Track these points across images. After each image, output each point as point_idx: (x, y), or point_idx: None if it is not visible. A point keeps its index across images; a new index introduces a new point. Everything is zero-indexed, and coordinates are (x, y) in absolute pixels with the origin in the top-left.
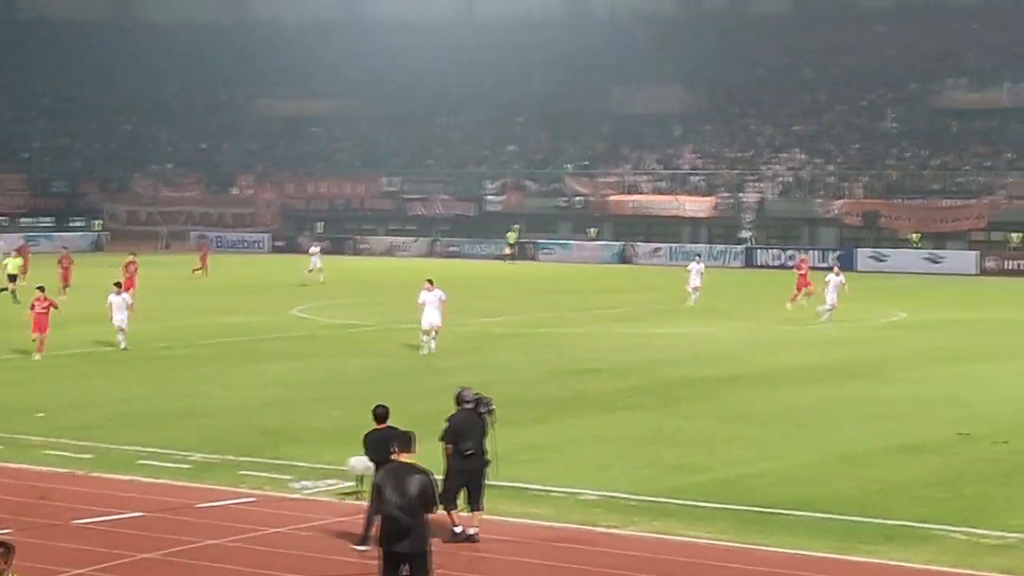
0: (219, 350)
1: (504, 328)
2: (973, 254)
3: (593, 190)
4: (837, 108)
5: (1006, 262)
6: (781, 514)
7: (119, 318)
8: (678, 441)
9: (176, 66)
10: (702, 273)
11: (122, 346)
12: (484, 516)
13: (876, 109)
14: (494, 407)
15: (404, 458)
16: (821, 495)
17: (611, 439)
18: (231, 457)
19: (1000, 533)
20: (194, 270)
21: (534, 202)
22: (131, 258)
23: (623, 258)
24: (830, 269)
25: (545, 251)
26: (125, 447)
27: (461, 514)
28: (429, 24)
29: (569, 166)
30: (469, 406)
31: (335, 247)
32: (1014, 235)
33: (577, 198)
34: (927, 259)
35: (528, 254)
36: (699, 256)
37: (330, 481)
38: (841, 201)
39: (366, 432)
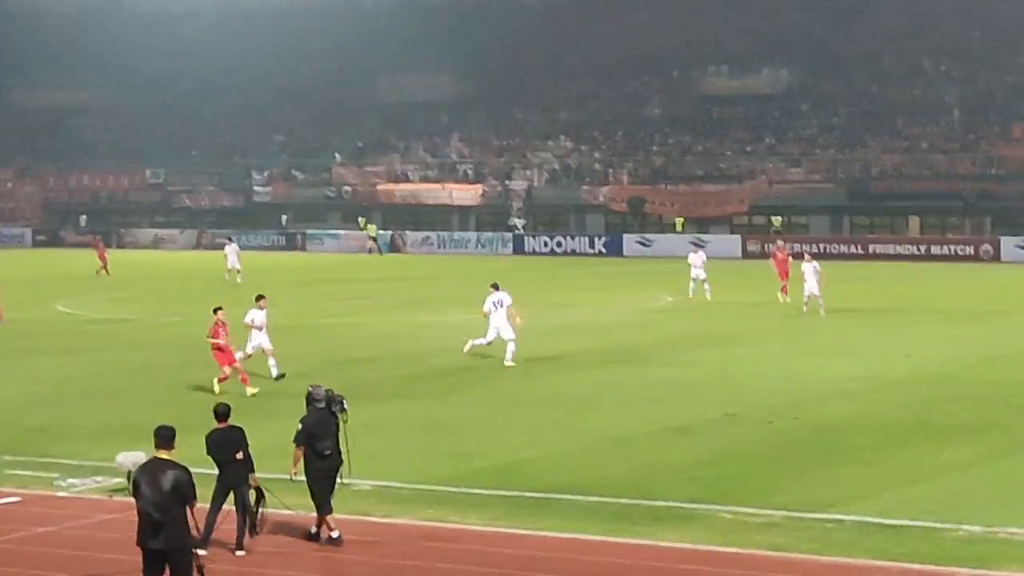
0: None
1: (275, 320)
2: (736, 238)
3: (362, 180)
4: (602, 95)
5: (768, 245)
6: (554, 499)
7: None
8: (451, 429)
9: None
10: (705, 262)
11: None
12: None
13: (640, 96)
14: (347, 405)
15: (162, 454)
16: (593, 479)
17: (384, 428)
18: None
19: (766, 511)
20: None
21: (303, 192)
22: None
23: (393, 247)
24: (800, 257)
25: (314, 241)
26: None
27: (335, 516)
28: (193, 12)
29: (337, 156)
30: (321, 405)
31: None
32: (775, 219)
33: (346, 188)
34: (693, 243)
35: (297, 244)
36: (697, 244)
37: (98, 478)
38: (607, 188)
39: (207, 432)
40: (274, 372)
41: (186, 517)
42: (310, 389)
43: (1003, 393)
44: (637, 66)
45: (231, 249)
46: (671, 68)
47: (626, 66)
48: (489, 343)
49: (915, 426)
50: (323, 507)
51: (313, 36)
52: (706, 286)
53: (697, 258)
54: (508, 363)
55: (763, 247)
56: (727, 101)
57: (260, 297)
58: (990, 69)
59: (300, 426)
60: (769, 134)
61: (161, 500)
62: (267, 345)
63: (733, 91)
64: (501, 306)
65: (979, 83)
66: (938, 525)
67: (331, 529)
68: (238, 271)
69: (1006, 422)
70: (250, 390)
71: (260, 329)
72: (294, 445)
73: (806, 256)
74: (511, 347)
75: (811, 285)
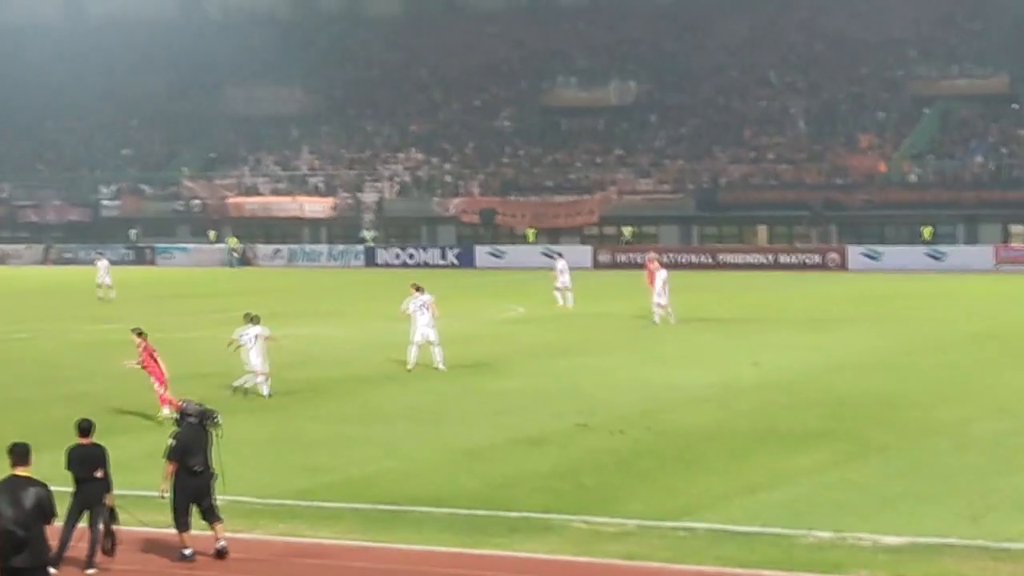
0: None
1: (122, 335)
2: (587, 248)
3: (211, 193)
4: (452, 107)
5: (618, 255)
6: (408, 511)
7: None
8: (302, 443)
9: None
10: (566, 271)
11: None
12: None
13: (490, 108)
14: (220, 419)
15: (20, 471)
16: (446, 490)
17: (233, 443)
18: None
19: (619, 520)
20: None
21: (151, 206)
22: None
23: (244, 260)
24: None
25: (164, 255)
26: None
27: (192, 534)
28: (37, 26)
29: (186, 169)
30: (194, 420)
31: None
32: (625, 229)
33: (195, 201)
34: (544, 254)
35: (146, 259)
36: (560, 254)
37: None
38: (458, 199)
39: (69, 447)
40: (265, 391)
41: (45, 534)
42: (182, 404)
43: (851, 400)
44: (486, 78)
45: (102, 264)
46: (519, 80)
47: (475, 78)
48: (415, 344)
49: (764, 433)
50: (182, 525)
51: (159, 48)
52: (569, 295)
53: (562, 267)
54: (440, 367)
55: (613, 257)
56: (576, 113)
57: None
58: (834, 80)
59: (173, 441)
60: (618, 145)
61: (24, 517)
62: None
63: (582, 103)
64: (427, 309)
65: (824, 94)
66: (788, 532)
67: (218, 538)
68: (110, 286)
69: (854, 428)
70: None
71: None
72: (165, 460)
73: (654, 263)
74: (437, 351)
75: (659, 294)
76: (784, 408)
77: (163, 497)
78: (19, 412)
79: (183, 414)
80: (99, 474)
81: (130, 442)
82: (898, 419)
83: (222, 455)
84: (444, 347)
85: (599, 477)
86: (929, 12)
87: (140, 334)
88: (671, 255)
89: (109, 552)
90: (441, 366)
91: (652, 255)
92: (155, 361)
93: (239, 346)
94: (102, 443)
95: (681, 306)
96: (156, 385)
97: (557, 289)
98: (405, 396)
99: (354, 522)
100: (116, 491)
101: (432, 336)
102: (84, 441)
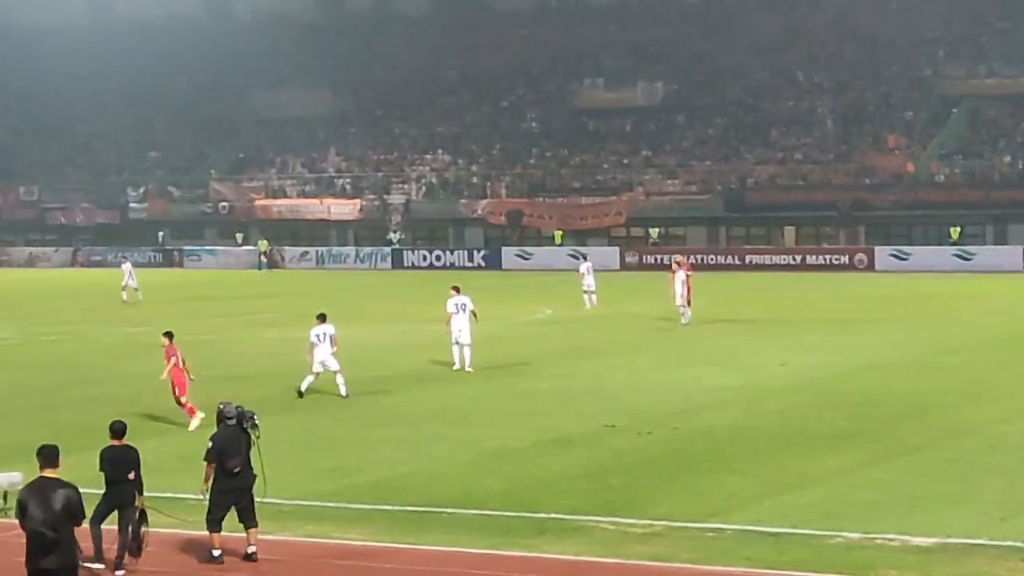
0: None
1: (150, 337)
2: (614, 250)
3: (238, 195)
4: (479, 109)
5: (645, 256)
6: (436, 512)
7: None
8: (330, 444)
9: None
10: (590, 272)
11: None
12: (260, 534)
13: (517, 109)
14: (258, 421)
15: (48, 473)
16: (474, 492)
17: (264, 444)
18: None
19: (647, 521)
20: None
21: (179, 208)
22: None
23: (271, 263)
24: (668, 267)
25: (192, 257)
26: None
27: (223, 535)
28: (65, 29)
29: (213, 171)
30: (232, 422)
31: None
32: (652, 230)
33: (222, 203)
34: (571, 255)
35: (174, 261)
36: (584, 256)
37: None
38: (485, 201)
39: (102, 448)
40: (342, 391)
41: (74, 536)
42: (220, 406)
43: (878, 401)
44: (513, 80)
45: (127, 267)
46: (547, 81)
47: (502, 80)
48: (456, 343)
49: (792, 434)
50: (214, 525)
51: (187, 50)
52: (594, 297)
53: (586, 269)
54: (468, 369)
55: (641, 259)
56: (603, 114)
57: (322, 315)
58: (862, 80)
59: (210, 443)
60: (645, 146)
61: (53, 519)
62: (333, 364)
63: (609, 104)
64: (464, 309)
65: (852, 94)
66: (817, 532)
67: (249, 543)
68: (136, 288)
69: (882, 429)
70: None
71: (321, 346)
72: (205, 462)
73: (677, 265)
74: (467, 352)
75: (680, 294)
76: (812, 409)
77: (203, 496)
78: (48, 414)
79: (221, 416)
80: (131, 476)
81: (159, 445)
82: (927, 420)
83: (262, 457)
84: (474, 348)
85: (627, 478)
86: (958, 12)
87: (170, 336)
88: (698, 256)
89: (135, 553)
90: (469, 368)
91: (678, 257)
92: (179, 368)
93: (311, 344)
94: (135, 445)
95: (708, 307)
96: (176, 392)
97: (584, 292)
98: (432, 398)
99: (382, 523)
100: (146, 493)
101: (464, 338)
102: (117, 443)
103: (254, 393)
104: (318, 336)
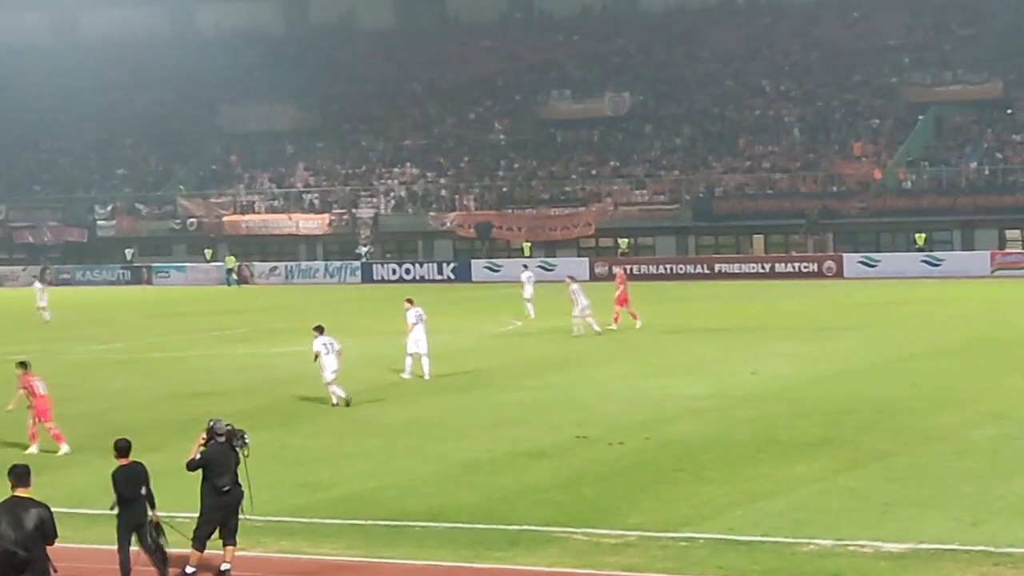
0: None
1: (119, 355)
2: (584, 260)
3: (207, 211)
4: (447, 121)
5: (614, 267)
6: (408, 526)
7: None
8: (301, 459)
9: None
10: (533, 282)
11: None
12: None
13: (484, 121)
14: (248, 439)
15: (20, 492)
16: (447, 505)
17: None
18: None
19: (620, 532)
20: None
21: (147, 225)
22: None
23: (241, 278)
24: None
25: (160, 274)
26: None
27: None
28: (29, 46)
29: (181, 187)
30: (222, 439)
31: None
32: (621, 240)
33: (191, 220)
34: (540, 267)
35: (143, 278)
36: (526, 266)
37: None
38: (454, 214)
39: (113, 470)
40: (341, 395)
41: (47, 554)
42: (211, 423)
43: (849, 408)
44: (479, 92)
45: (38, 286)
46: (513, 93)
47: (468, 92)
48: (410, 355)
49: (763, 442)
50: (200, 543)
51: (152, 67)
52: (530, 307)
53: (527, 278)
54: (426, 376)
55: (610, 269)
56: (571, 125)
57: (319, 327)
58: (828, 88)
59: (198, 457)
60: (613, 157)
61: (25, 538)
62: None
63: (576, 115)
64: (421, 320)
65: (818, 102)
66: (789, 540)
67: (225, 560)
68: (43, 308)
69: (853, 436)
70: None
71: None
72: (189, 470)
73: (568, 279)
74: (426, 362)
75: (580, 306)
76: (783, 417)
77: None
78: (17, 434)
79: (211, 433)
80: (143, 491)
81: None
82: (897, 426)
83: (249, 475)
84: (441, 360)
85: (599, 489)
86: (922, 19)
87: (25, 366)
88: (668, 266)
89: (164, 569)
90: (427, 376)
91: (620, 271)
92: (36, 394)
93: (316, 355)
94: (141, 461)
95: (678, 316)
96: (33, 421)
97: (525, 300)
98: (403, 411)
99: (355, 538)
100: (113, 512)
101: (422, 348)
102: (124, 461)
103: (224, 409)
104: (325, 346)
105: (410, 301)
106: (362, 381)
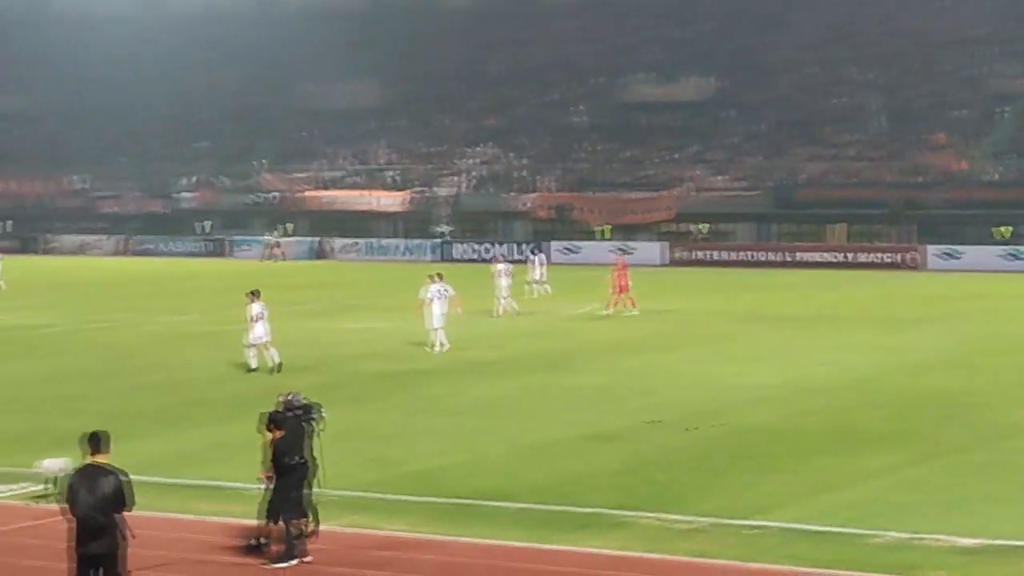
0: None
1: (196, 326)
2: (662, 245)
3: (287, 186)
4: (527, 102)
5: (694, 252)
6: (477, 505)
7: None
8: (372, 435)
9: None
10: (544, 266)
11: None
12: (256, 523)
13: (564, 103)
14: (324, 413)
15: (98, 459)
16: (516, 485)
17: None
18: None
19: (690, 518)
20: None
21: (228, 198)
22: None
23: (319, 254)
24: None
25: (241, 248)
26: None
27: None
28: (117, 18)
29: (264, 162)
30: (299, 413)
31: (24, 246)
32: (701, 226)
33: (271, 194)
34: (620, 250)
35: (224, 251)
36: (537, 248)
37: (21, 484)
38: (533, 195)
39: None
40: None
41: (120, 522)
42: (289, 396)
43: (923, 401)
44: (561, 73)
45: None
46: (594, 75)
47: (550, 73)
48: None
49: (835, 433)
50: (272, 515)
51: (237, 42)
52: (547, 287)
53: (540, 261)
54: (445, 348)
55: (691, 254)
56: (652, 108)
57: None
58: (913, 76)
59: (274, 450)
60: (694, 141)
61: (102, 504)
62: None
63: (658, 98)
64: (443, 296)
65: (902, 90)
66: (859, 531)
67: (290, 533)
68: None
69: (925, 429)
70: None
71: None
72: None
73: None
74: (441, 334)
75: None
76: (856, 408)
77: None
78: (95, 401)
79: (287, 406)
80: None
81: (200, 435)
82: (972, 421)
83: (323, 450)
84: (515, 341)
85: (670, 474)
86: (1010, 9)
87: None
88: (747, 252)
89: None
90: (438, 349)
91: (622, 257)
92: None
93: (429, 300)
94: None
95: (754, 303)
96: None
97: (528, 282)
98: (473, 390)
99: (424, 515)
100: (186, 481)
101: (439, 323)
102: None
103: (297, 383)
104: (439, 291)
105: (434, 277)
106: (433, 360)
